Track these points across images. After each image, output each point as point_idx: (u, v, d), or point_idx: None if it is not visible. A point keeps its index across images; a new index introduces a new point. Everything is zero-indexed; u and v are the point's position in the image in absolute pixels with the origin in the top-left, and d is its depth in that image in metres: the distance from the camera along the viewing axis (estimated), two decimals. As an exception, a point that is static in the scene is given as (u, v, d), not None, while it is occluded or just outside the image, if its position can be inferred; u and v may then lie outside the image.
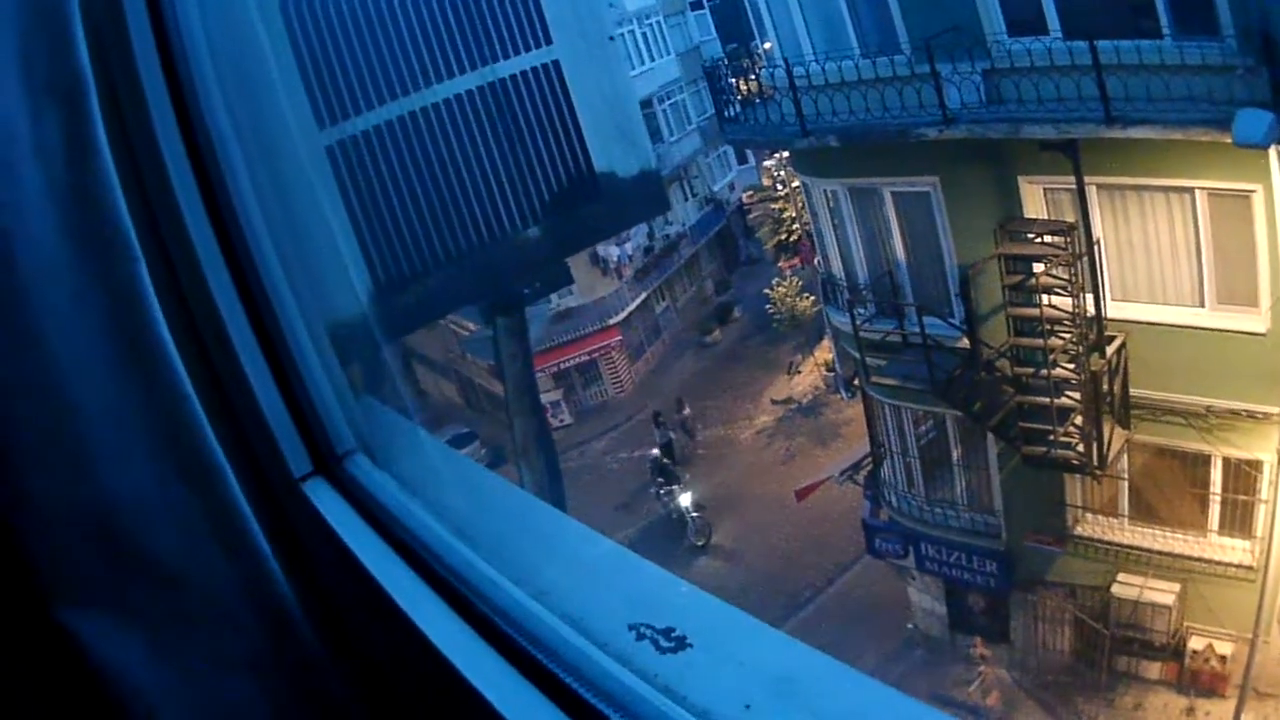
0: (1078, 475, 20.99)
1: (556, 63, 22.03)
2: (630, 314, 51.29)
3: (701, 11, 57.65)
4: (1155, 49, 16.87)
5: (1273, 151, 16.22)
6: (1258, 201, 17.23)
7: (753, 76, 23.30)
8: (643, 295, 52.44)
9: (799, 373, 45.88)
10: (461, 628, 2.18)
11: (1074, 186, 18.52)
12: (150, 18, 2.57)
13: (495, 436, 41.00)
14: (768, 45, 22.81)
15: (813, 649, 1.81)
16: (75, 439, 2.42)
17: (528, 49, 21.74)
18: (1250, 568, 19.79)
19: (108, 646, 2.39)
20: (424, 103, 21.26)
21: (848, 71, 20.18)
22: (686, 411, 45.20)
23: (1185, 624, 21.26)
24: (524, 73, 22.24)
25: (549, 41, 20.46)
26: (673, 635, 1.86)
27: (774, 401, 44.80)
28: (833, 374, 40.64)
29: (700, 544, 36.21)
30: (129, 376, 2.46)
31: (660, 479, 39.07)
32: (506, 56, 22.09)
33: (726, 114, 23.62)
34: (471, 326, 44.49)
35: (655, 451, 40.85)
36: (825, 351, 42.40)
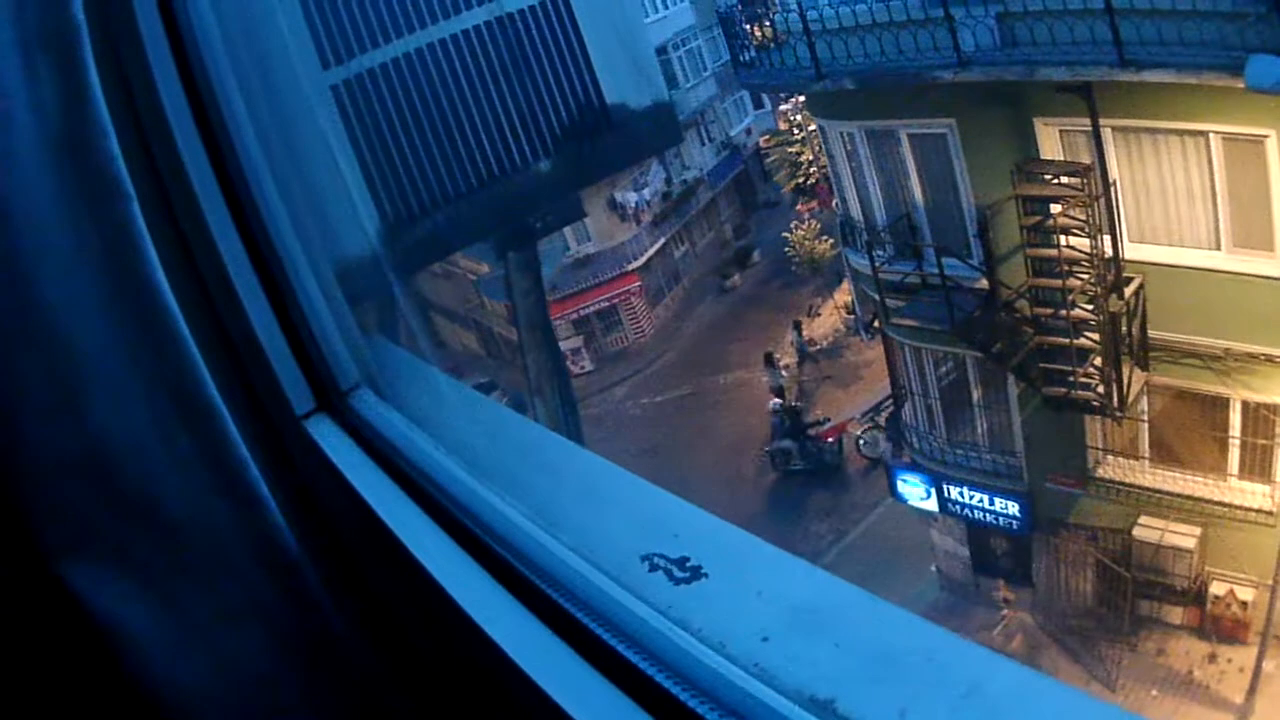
0: (1098, 417, 20.93)
1: (568, -2, 21.86)
2: (649, 259, 51.28)
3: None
4: None
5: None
6: (1271, 147, 17.15)
7: (767, 22, 23.16)
8: (661, 240, 52.40)
9: (818, 315, 45.80)
10: (469, 564, 2.16)
11: (1090, 128, 18.43)
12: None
13: (516, 383, 41.05)
14: (782, -12, 22.68)
15: (835, 577, 1.79)
16: (71, 384, 2.42)
17: (537, -18, 21.57)
18: (1271, 513, 19.67)
19: (108, 598, 2.39)
20: (431, 39, 21.22)
21: (861, 15, 20.08)
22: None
23: (1206, 569, 21.19)
24: (533, 6, 22.16)
25: None
26: (687, 565, 1.84)
27: (793, 344, 44.66)
28: (852, 316, 40.48)
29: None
30: (123, 318, 2.45)
31: (788, 441, 37.32)
32: (515, -10, 21.93)
33: (742, 59, 23.53)
34: (485, 269, 44.45)
35: (776, 402, 39.82)
36: (844, 294, 42.26)
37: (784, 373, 42.10)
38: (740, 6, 24.25)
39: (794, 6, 20.96)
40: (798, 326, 44.45)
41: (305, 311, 2.67)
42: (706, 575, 1.81)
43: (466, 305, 51.32)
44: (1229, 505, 20.22)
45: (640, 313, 50.94)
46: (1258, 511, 19.82)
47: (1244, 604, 20.81)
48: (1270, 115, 16.54)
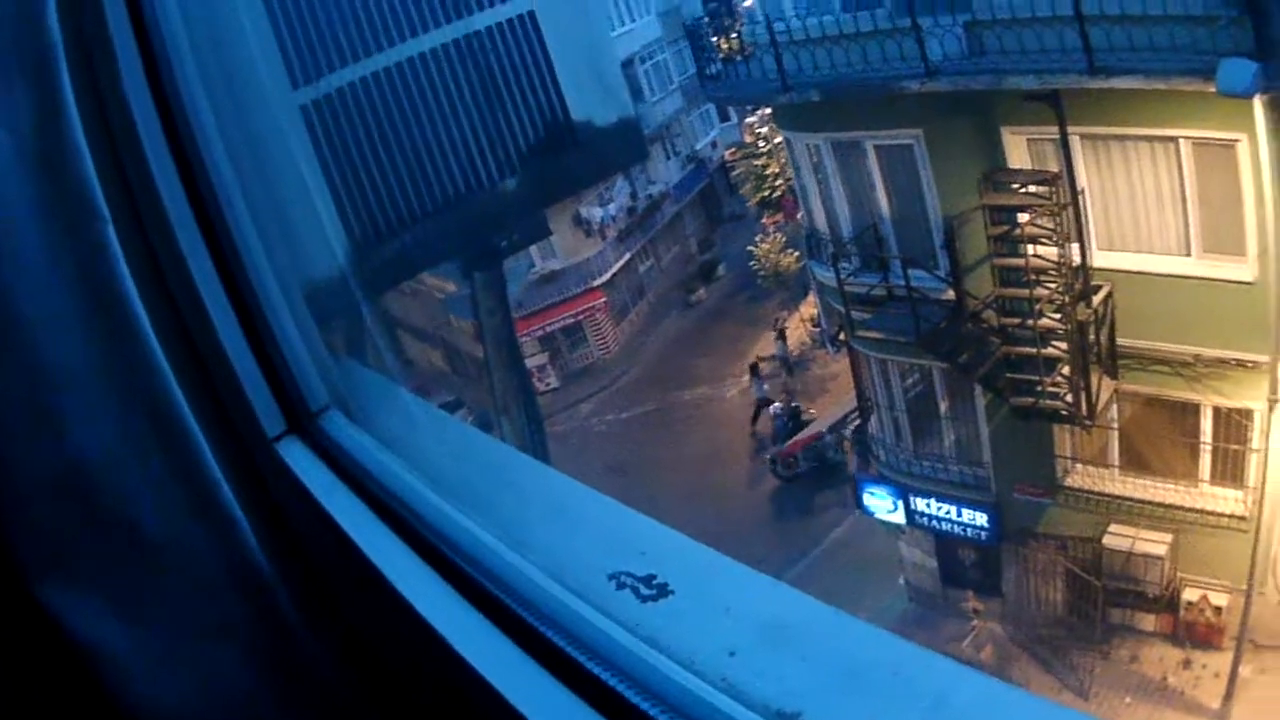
0: (1066, 426, 20.98)
1: (532, 13, 21.90)
2: (614, 275, 51.39)
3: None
4: (1141, 1, 16.78)
5: (1257, 101, 16.21)
6: (1242, 151, 17.20)
7: (734, 34, 23.23)
8: (626, 256, 52.53)
9: (785, 328, 45.85)
10: (440, 585, 2.16)
11: (1058, 137, 18.48)
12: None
13: (481, 400, 41.08)
14: (749, 2, 22.76)
15: (801, 593, 1.80)
16: (47, 404, 2.41)
17: (503, 0, 21.61)
18: (1243, 518, 19.72)
19: (85, 618, 2.37)
20: (398, 58, 21.23)
21: (828, 26, 20.18)
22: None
23: (1178, 575, 21.20)
24: (499, 24, 22.18)
25: None
26: (654, 583, 1.86)
27: (760, 358, 44.73)
28: (818, 329, 40.54)
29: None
30: (98, 338, 2.44)
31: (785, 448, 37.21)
32: (481, 9, 21.99)
33: (708, 72, 23.61)
34: (452, 287, 44.47)
35: (777, 405, 39.90)
36: (810, 307, 42.35)
37: (766, 385, 42.02)
38: (707, 19, 24.32)
39: (761, 18, 21.05)
40: (782, 335, 44.49)
41: (275, 333, 2.68)
42: (673, 592, 1.83)
43: (433, 324, 51.28)
44: (1201, 511, 20.30)
45: (605, 329, 50.96)
46: (1230, 517, 19.91)
47: (1218, 609, 20.83)
48: (1241, 119, 16.61)
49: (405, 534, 2.32)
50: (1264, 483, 19.11)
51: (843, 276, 21.47)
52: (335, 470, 2.58)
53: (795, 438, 36.28)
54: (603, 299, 50.48)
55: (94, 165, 2.42)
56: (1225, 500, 20.01)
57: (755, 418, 40.63)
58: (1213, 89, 15.81)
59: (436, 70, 21.42)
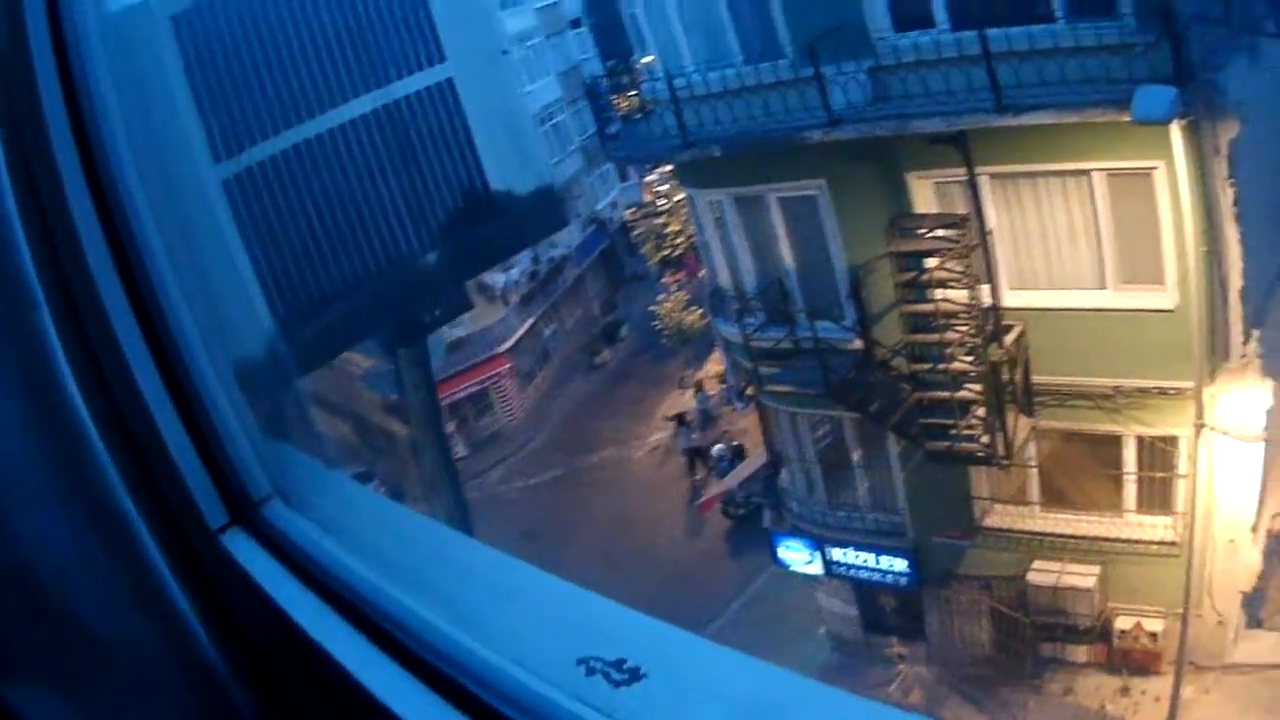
0: (984, 467, 21.02)
1: (450, 81, 21.79)
2: (519, 340, 51.37)
3: (581, 30, 57.51)
4: (1049, 33, 17.06)
5: (1174, 127, 16.38)
6: (1159, 178, 17.44)
7: (633, 92, 23.21)
8: (530, 320, 52.52)
9: (690, 387, 45.86)
10: (401, 675, 2.09)
11: (965, 178, 18.62)
12: (56, 63, 2.52)
13: (393, 473, 40.84)
14: (648, 59, 22.72)
15: (775, 667, 1.75)
16: None
17: (421, 68, 21.51)
18: (1173, 544, 19.91)
19: (39, 715, 2.36)
20: (319, 130, 21.04)
21: (730, 79, 20.34)
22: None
23: (1109, 605, 21.29)
24: (418, 93, 22.04)
25: (442, 59, 20.22)
26: (625, 667, 1.82)
27: (666, 418, 44.76)
28: (725, 385, 40.56)
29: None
30: (38, 429, 2.43)
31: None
32: (400, 77, 21.86)
33: (608, 131, 23.59)
34: (366, 362, 44.29)
35: (720, 447, 39.50)
36: (716, 364, 42.42)
37: (695, 434, 41.90)
38: (606, 77, 24.29)
39: (661, 75, 20.98)
40: (699, 387, 44.44)
41: (214, 421, 2.61)
42: (646, 675, 1.80)
43: (342, 394, 50.96)
44: (1129, 541, 20.46)
45: (511, 395, 50.94)
46: (1160, 544, 20.11)
47: (1153, 635, 20.98)
48: (1157, 146, 16.78)
49: (359, 622, 2.24)
50: (1193, 508, 19.25)
51: (748, 331, 21.55)
52: (282, 560, 2.50)
53: (707, 496, 36.18)
54: (508, 365, 50.44)
55: (28, 250, 2.39)
56: (1154, 528, 20.20)
57: (691, 466, 40.56)
58: (1127, 118, 15.94)
59: (356, 142, 21.32)
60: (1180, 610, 19.76)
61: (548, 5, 54.37)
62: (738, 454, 37.98)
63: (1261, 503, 20.26)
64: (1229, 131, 17.32)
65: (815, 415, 23.20)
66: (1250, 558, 20.61)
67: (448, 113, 22.40)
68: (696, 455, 40.62)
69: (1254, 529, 20.29)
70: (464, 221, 22.79)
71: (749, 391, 25.64)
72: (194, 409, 2.56)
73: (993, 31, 17.03)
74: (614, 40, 41.14)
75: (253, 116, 20.58)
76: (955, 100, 17.68)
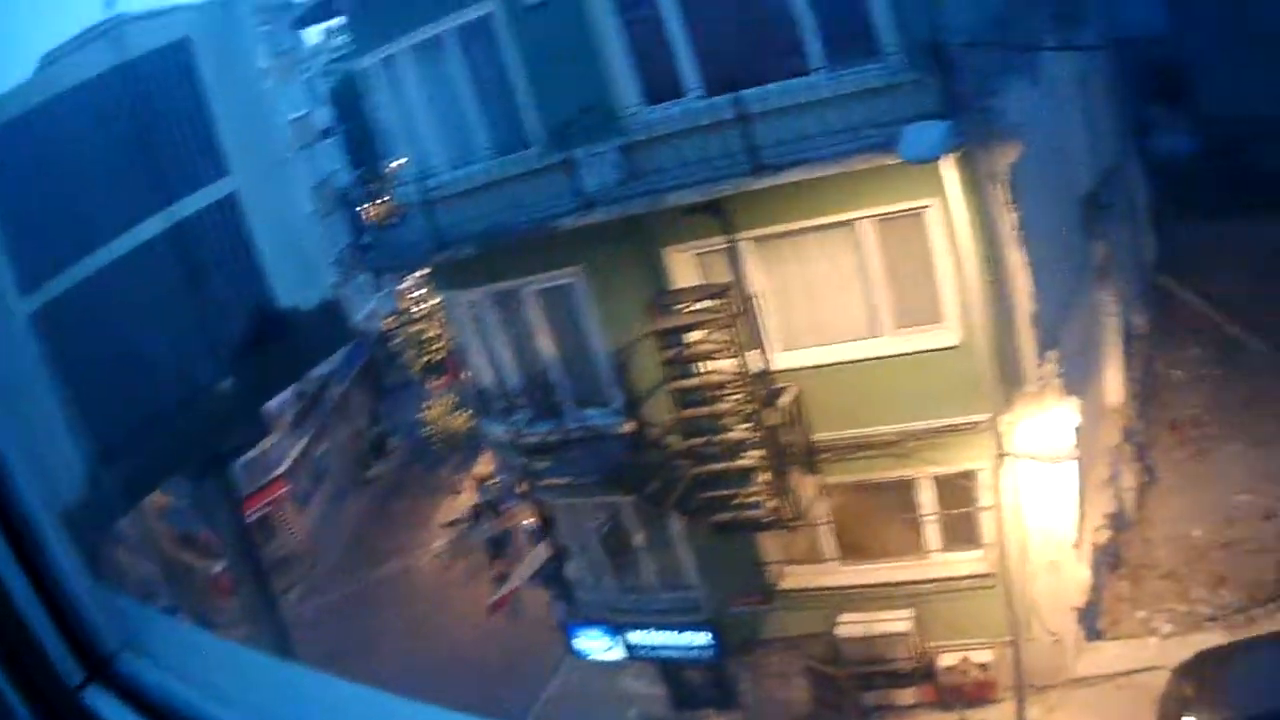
0: (773, 531, 20.87)
1: (233, 195, 21.36)
2: (294, 463, 50.58)
3: (332, 139, 56.95)
4: (807, 86, 17.19)
5: (945, 161, 16.43)
6: (932, 217, 17.61)
7: (385, 198, 23.15)
8: (302, 442, 51.83)
9: (465, 490, 45.70)
10: None
11: (726, 246, 18.60)
12: None
13: (195, 606, 40.14)
14: (399, 162, 22.58)
15: None
16: None
17: (206, 183, 21.08)
18: (987, 575, 19.97)
19: None
20: (112, 256, 20.52)
21: (479, 175, 20.19)
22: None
23: (930, 644, 21.29)
24: (202, 211, 21.60)
25: (226, 172, 19.84)
26: None
27: (443, 525, 44.59)
28: (498, 484, 40.46)
29: None
30: None
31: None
32: (185, 195, 21.39)
33: (361, 241, 23.44)
34: (174, 500, 43.47)
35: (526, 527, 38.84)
36: (488, 464, 42.31)
37: (488, 525, 41.55)
38: (358, 185, 24.20)
39: (410, 177, 20.87)
40: (483, 482, 44.07)
41: (57, 576, 2.57)
42: None
43: (142, 531, 49.88)
44: (940, 579, 20.49)
45: (293, 517, 50.21)
46: (973, 578, 20.16)
47: (983, 666, 21.03)
48: (928, 184, 16.88)
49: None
50: (1003, 537, 19.39)
51: (517, 429, 21.41)
52: (142, 713, 2.47)
53: (497, 596, 35.91)
54: (286, 488, 49.78)
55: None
56: (964, 563, 20.28)
57: (494, 559, 40.16)
58: (895, 161, 15.97)
59: (146, 267, 20.82)
60: (1009, 638, 19.91)
61: (298, 118, 53.99)
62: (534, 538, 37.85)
63: (1082, 518, 20.78)
64: (1008, 156, 17.61)
65: (592, 504, 23.08)
66: (1078, 574, 21.07)
67: (232, 229, 22.03)
68: (495, 545, 40.34)
69: (1077, 545, 20.73)
70: (255, 343, 22.40)
71: (523, 489, 25.45)
72: (39, 568, 2.52)
73: (748, 92, 17.10)
74: (365, 146, 41.02)
75: (51, 245, 20.09)
76: (711, 167, 17.59)
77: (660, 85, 18.46)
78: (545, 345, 21.48)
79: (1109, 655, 22.03)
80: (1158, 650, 22.05)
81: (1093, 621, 22.42)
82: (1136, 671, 21.40)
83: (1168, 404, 30.57)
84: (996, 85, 18.15)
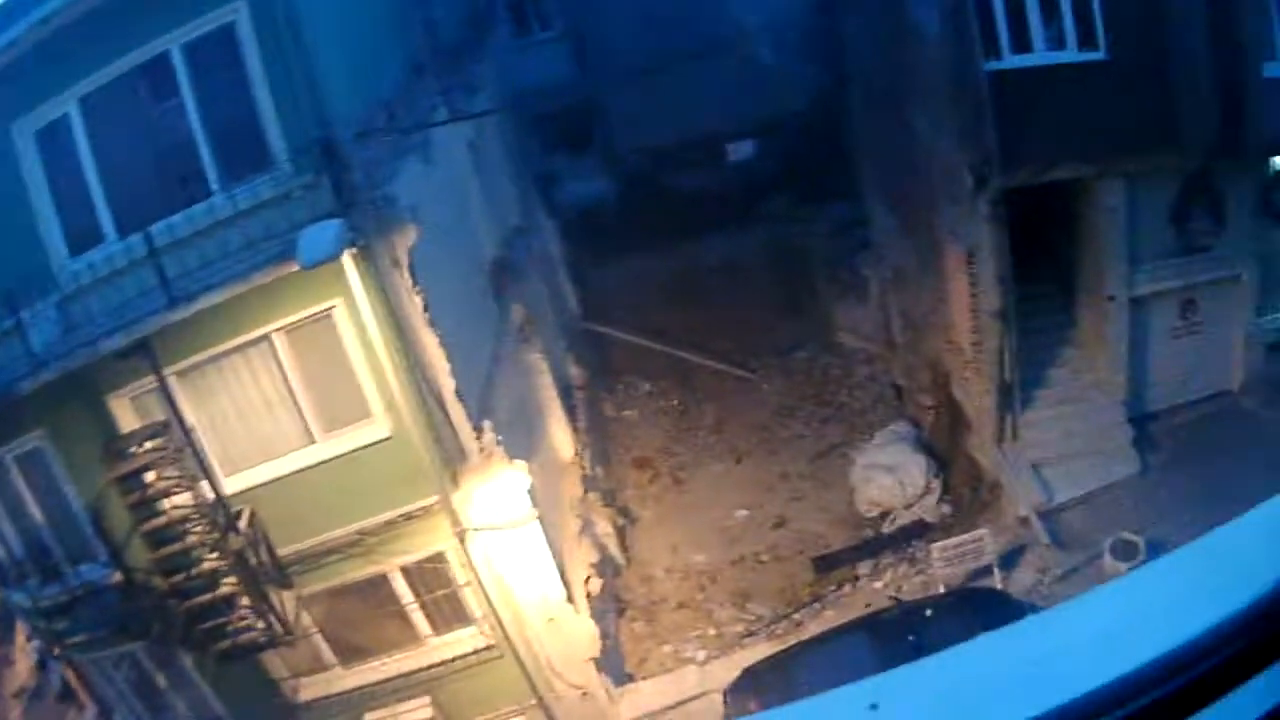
0: (271, 650, 20.65)
1: None
2: None
3: None
4: (207, 210, 17.32)
5: (345, 258, 16.65)
6: (340, 315, 17.82)
7: None
8: None
9: (13, 663, 44.05)
10: None
11: (157, 385, 18.29)
12: None
13: None
14: None
15: None
16: None
17: None
18: (489, 647, 20.30)
19: None
20: None
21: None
22: None
23: (460, 724, 21.55)
24: None
25: None
26: None
27: (14, 695, 42.77)
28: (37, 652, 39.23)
29: None
30: None
31: None
32: None
33: None
34: None
35: None
36: (20, 633, 40.93)
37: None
38: None
39: None
40: (43, 662, 42.39)
41: None
42: None
43: None
44: (445, 662, 20.66)
45: None
46: (477, 652, 20.44)
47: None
48: (332, 284, 17.19)
49: None
50: (492, 608, 19.77)
51: (32, 595, 21.00)
52: None
53: None
54: None
55: None
56: (463, 641, 20.51)
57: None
58: (297, 268, 16.12)
59: None
60: (533, 701, 20.43)
61: None
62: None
63: (564, 573, 21.11)
64: (407, 240, 17.97)
65: (113, 655, 22.34)
66: (582, 626, 21.50)
67: None
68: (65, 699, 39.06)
69: (570, 600, 21.10)
70: None
71: (55, 651, 24.87)
72: None
73: (158, 227, 17.09)
74: None
75: None
76: (134, 309, 17.48)
77: (82, 234, 18.31)
78: (33, 509, 20.96)
79: (649, 694, 22.64)
80: (700, 677, 22.89)
81: (617, 667, 22.97)
82: (684, 702, 22.31)
83: (628, 444, 31.45)
84: (389, 172, 18.53)
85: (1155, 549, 21.86)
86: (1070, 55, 22.71)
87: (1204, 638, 2.36)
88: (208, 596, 19.29)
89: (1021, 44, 22.64)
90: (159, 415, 18.75)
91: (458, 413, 19.01)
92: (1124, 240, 24.24)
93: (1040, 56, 22.76)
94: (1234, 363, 26.04)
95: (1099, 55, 22.56)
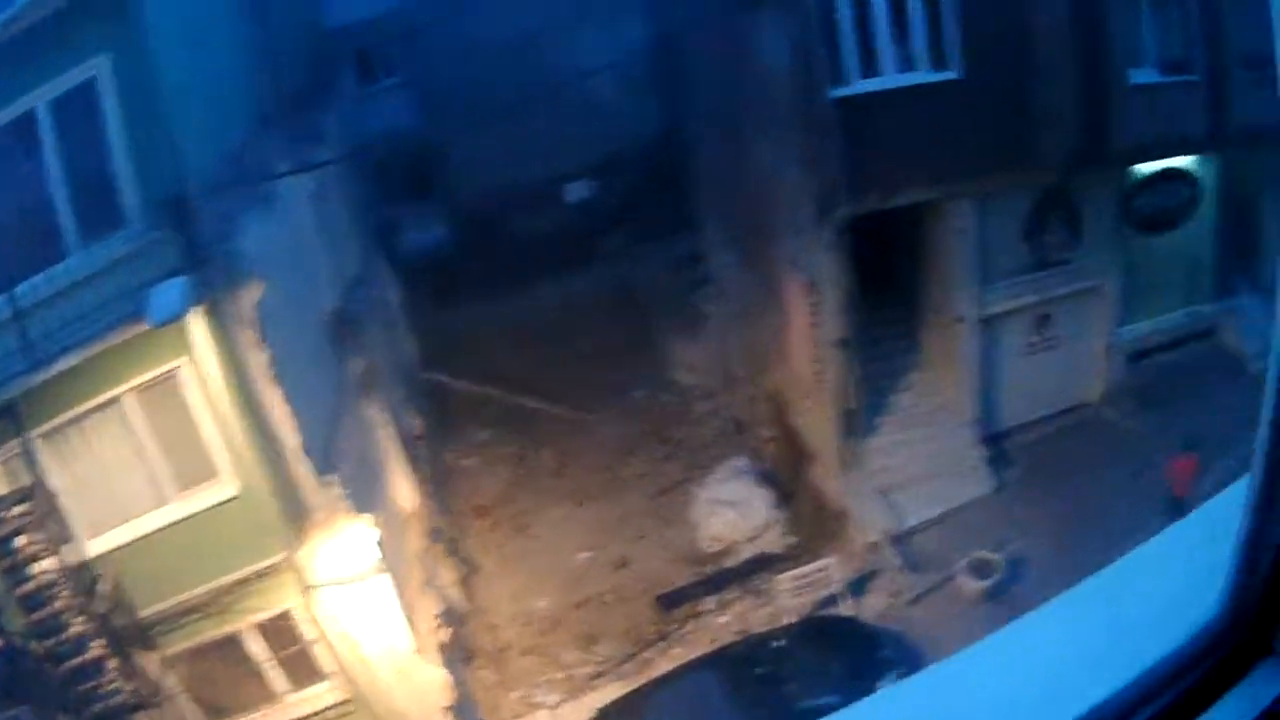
0: (141, 713, 19.71)
1: None
2: None
3: None
4: (65, 270, 17.08)
5: (191, 315, 16.69)
6: (187, 374, 17.71)
7: None
8: None
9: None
10: None
11: (21, 449, 18.05)
12: None
13: None
14: None
15: None
16: None
17: None
18: (345, 701, 20.29)
19: None
20: None
21: None
22: None
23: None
24: None
25: None
26: None
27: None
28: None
29: None
30: None
31: None
32: None
33: None
34: None
35: None
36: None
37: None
38: None
39: None
40: None
41: None
42: None
43: None
44: (304, 718, 20.58)
45: None
46: (334, 708, 20.42)
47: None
48: (178, 342, 17.18)
49: None
50: (343, 662, 19.88)
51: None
52: None
53: None
54: None
55: None
56: (319, 696, 20.44)
57: None
58: (147, 326, 16.18)
59: None
60: None
61: None
62: None
63: (412, 624, 21.13)
64: (253, 295, 17.94)
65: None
66: (434, 675, 21.51)
67: None
68: None
69: (420, 650, 21.15)
70: None
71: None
72: None
73: (21, 288, 16.78)
74: None
75: None
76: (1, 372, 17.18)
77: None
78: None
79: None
80: (554, 720, 22.64)
81: (472, 715, 23.13)
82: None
83: (468, 494, 31.42)
84: (235, 226, 18.52)
85: (1014, 565, 22.75)
86: (922, 76, 23.19)
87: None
88: (78, 660, 19.00)
89: (870, 68, 22.97)
90: (26, 479, 18.43)
91: (302, 469, 18.99)
92: (974, 260, 24.75)
93: (889, 80, 23.15)
94: (1095, 374, 26.67)
95: (952, 75, 23.02)
